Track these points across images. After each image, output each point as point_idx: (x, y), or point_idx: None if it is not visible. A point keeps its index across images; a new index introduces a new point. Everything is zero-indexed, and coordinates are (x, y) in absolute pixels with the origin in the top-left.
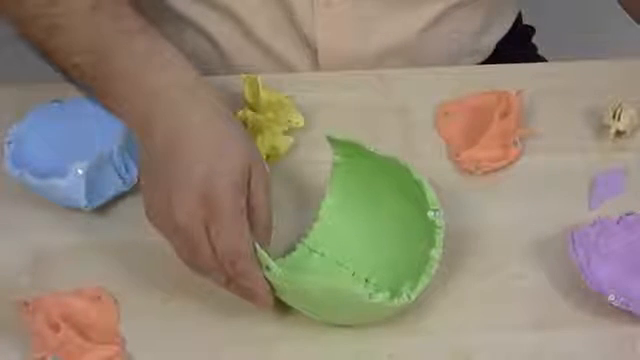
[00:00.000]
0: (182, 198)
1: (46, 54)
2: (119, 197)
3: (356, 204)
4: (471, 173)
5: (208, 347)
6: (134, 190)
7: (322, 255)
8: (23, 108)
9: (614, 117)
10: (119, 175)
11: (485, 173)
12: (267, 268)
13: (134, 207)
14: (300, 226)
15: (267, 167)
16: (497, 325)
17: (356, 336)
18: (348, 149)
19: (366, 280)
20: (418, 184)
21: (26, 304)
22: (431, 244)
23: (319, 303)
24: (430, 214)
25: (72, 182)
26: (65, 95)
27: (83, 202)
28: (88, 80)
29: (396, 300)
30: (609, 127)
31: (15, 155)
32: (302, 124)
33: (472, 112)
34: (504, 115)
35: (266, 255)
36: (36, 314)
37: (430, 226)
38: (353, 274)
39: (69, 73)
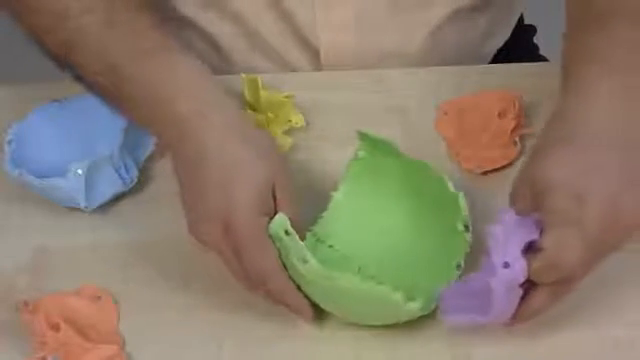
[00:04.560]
0: (207, 229)
1: (68, 70)
2: (119, 197)
3: (368, 200)
4: (471, 173)
5: (208, 347)
6: (134, 190)
7: (330, 247)
8: (23, 108)
9: None
10: (119, 175)
11: (485, 173)
12: (304, 261)
13: (134, 207)
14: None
15: None
16: (497, 325)
17: (356, 336)
18: (375, 147)
19: (372, 277)
20: (453, 197)
21: (26, 304)
22: (451, 256)
23: (349, 302)
24: (460, 227)
25: (72, 182)
26: (65, 95)
27: (83, 202)
28: (110, 100)
29: (427, 307)
30: None
31: (15, 155)
32: (302, 124)
33: (472, 112)
34: (504, 115)
35: (304, 247)
36: (36, 314)
37: (450, 237)
38: (359, 269)
39: (92, 90)
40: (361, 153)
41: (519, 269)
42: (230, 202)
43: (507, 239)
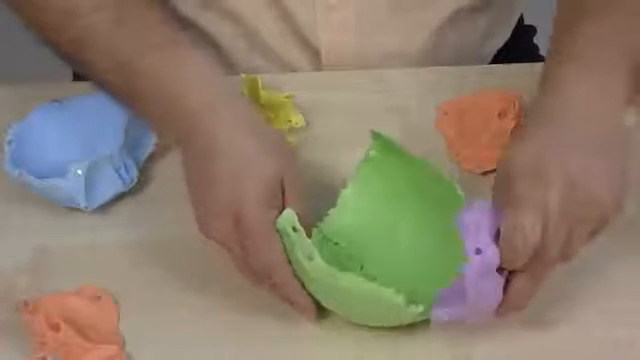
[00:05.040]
0: (215, 223)
1: (78, 67)
2: (119, 197)
3: (377, 200)
4: (471, 173)
5: (208, 347)
6: (134, 190)
7: (336, 244)
8: (23, 108)
9: None
10: (119, 175)
11: (485, 173)
12: (309, 258)
13: (134, 207)
14: None
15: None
16: (497, 325)
17: (357, 337)
18: (387, 148)
19: (374, 278)
20: (459, 200)
21: (26, 304)
22: (456, 261)
23: (351, 302)
24: None
25: (72, 182)
26: (65, 95)
27: (83, 202)
28: (121, 97)
29: (428, 311)
30: None
31: (15, 155)
32: (302, 124)
33: (472, 112)
34: (504, 115)
35: (311, 244)
36: (36, 314)
37: (457, 243)
38: (361, 268)
39: (103, 88)
40: (372, 153)
41: (491, 254)
42: (239, 196)
43: (479, 226)
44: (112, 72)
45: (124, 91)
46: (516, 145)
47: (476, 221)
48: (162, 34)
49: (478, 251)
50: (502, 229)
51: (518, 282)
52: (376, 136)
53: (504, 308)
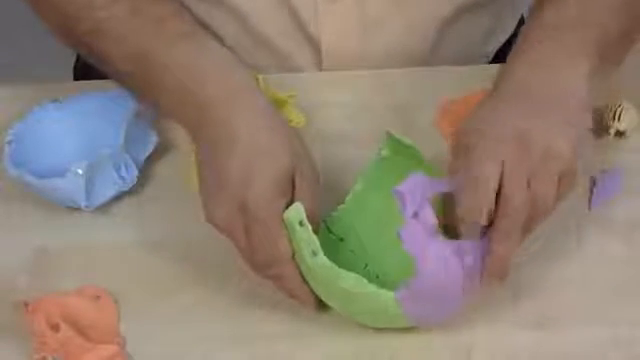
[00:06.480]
0: (222, 205)
1: (96, 61)
2: (119, 197)
3: (385, 200)
4: None
5: (208, 347)
6: (134, 190)
7: (341, 240)
8: (23, 108)
9: (614, 117)
10: (119, 175)
11: None
12: (313, 253)
13: (134, 207)
14: None
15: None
16: (497, 323)
17: (357, 335)
18: (399, 149)
19: (377, 277)
20: None
21: (26, 304)
22: None
23: (351, 302)
24: None
25: (72, 182)
26: (65, 95)
27: (83, 202)
28: (137, 88)
29: None
30: (609, 127)
31: (15, 155)
32: (303, 123)
33: None
34: None
35: (316, 240)
36: (36, 314)
37: None
38: (366, 266)
39: (119, 79)
40: (384, 152)
41: (426, 214)
42: (248, 182)
43: (413, 193)
44: (129, 62)
45: (140, 81)
46: (469, 116)
47: (410, 189)
48: (178, 25)
49: (415, 215)
50: (460, 184)
51: (494, 243)
52: (389, 136)
53: (486, 275)
